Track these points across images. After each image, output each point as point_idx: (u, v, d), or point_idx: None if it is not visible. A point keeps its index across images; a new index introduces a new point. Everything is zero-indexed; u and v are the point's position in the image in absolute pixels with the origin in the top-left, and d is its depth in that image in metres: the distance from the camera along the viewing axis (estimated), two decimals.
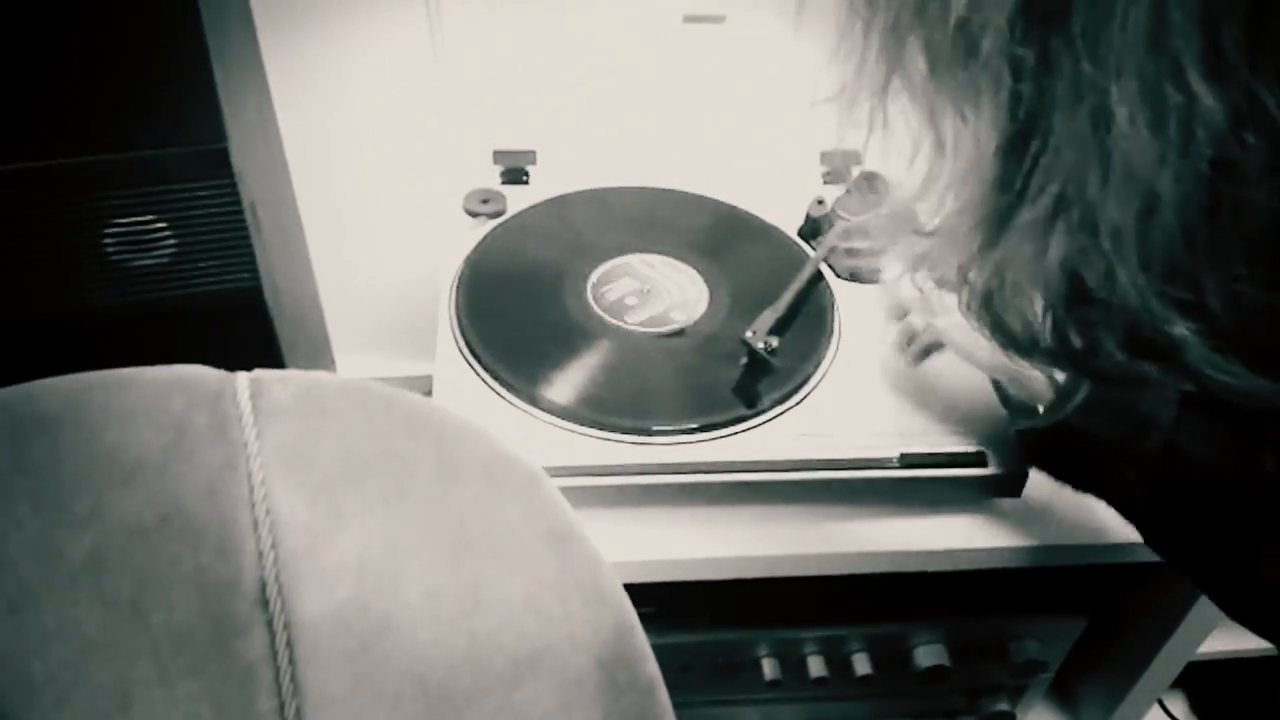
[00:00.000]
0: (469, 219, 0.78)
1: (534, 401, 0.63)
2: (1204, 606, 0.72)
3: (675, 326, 0.70)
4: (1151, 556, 0.53)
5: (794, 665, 0.71)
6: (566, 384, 0.65)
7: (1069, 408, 0.52)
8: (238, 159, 0.62)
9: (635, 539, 0.61)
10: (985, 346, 0.42)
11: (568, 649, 0.42)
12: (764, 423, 0.64)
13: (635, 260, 0.75)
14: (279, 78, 0.81)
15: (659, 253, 0.76)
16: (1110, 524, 0.62)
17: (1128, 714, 0.83)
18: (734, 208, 0.82)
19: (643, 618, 0.46)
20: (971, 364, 0.60)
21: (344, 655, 0.40)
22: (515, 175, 0.84)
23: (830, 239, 0.75)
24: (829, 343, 0.69)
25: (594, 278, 0.73)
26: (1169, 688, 0.82)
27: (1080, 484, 0.57)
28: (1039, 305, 0.36)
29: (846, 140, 0.39)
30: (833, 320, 0.71)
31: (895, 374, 0.67)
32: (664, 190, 0.83)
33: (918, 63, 0.33)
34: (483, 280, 0.73)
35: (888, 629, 0.70)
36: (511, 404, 0.64)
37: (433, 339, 0.69)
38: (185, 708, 0.39)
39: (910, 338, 0.66)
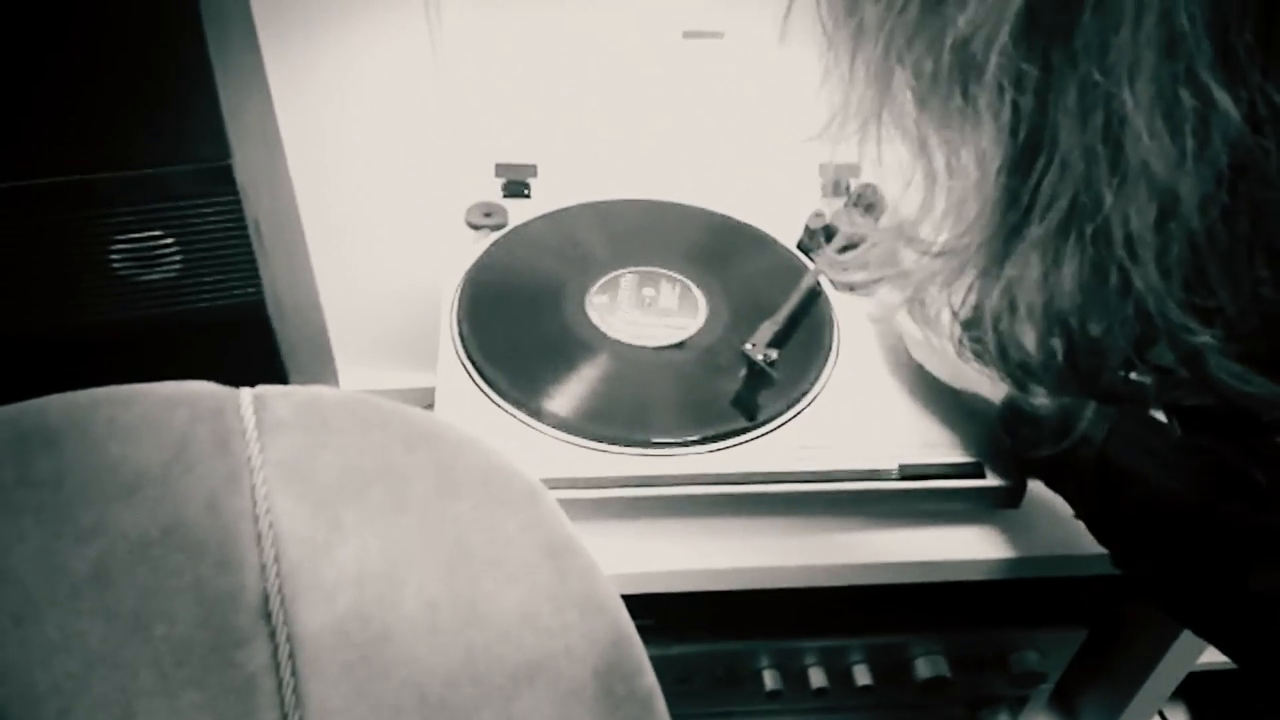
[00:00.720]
0: (471, 232, 0.79)
1: (535, 413, 0.64)
2: None
3: (675, 339, 0.70)
4: None
5: (794, 676, 0.71)
6: (567, 396, 0.65)
7: (1074, 435, 0.51)
8: (241, 175, 0.63)
9: (635, 550, 0.61)
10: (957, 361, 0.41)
11: (565, 661, 0.43)
12: (763, 434, 0.64)
13: (635, 273, 0.75)
14: (282, 93, 0.82)
15: (659, 265, 0.76)
16: None
17: None
18: (733, 220, 0.82)
19: (642, 629, 0.46)
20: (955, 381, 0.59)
21: (344, 667, 0.40)
22: (517, 188, 0.84)
23: (829, 252, 0.75)
24: (828, 355, 0.70)
25: (594, 290, 0.73)
26: (1169, 698, 0.82)
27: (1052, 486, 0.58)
28: (1047, 328, 0.35)
29: (843, 155, 0.39)
30: (831, 332, 0.72)
31: (894, 385, 0.67)
32: (664, 203, 0.84)
33: (907, 94, 0.33)
34: (484, 293, 0.73)
35: (888, 640, 0.70)
36: (512, 416, 0.64)
37: (435, 351, 0.69)
38: (188, 719, 0.39)
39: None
